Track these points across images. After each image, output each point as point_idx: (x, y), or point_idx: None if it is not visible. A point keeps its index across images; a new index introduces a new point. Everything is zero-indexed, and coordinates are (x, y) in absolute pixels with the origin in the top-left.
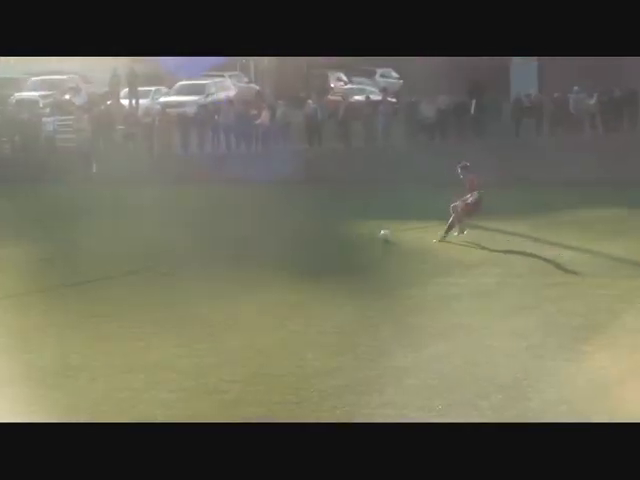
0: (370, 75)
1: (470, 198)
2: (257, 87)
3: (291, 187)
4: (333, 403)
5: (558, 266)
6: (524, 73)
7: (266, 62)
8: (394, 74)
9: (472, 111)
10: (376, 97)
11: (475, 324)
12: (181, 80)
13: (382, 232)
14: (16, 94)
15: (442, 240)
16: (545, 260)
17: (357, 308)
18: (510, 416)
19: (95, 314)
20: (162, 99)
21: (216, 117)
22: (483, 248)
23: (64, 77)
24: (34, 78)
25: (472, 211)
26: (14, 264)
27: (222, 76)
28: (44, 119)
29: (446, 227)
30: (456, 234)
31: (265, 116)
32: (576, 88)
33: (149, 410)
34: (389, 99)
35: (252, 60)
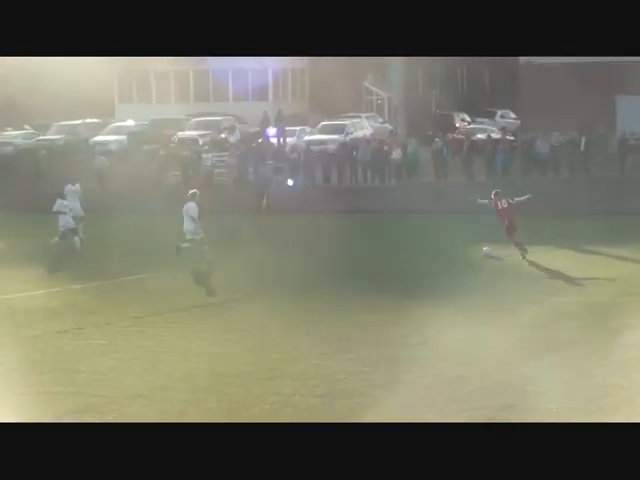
0: (491, 116)
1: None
2: (390, 127)
3: (418, 216)
4: (462, 407)
5: None
6: (629, 109)
7: (398, 103)
8: (512, 114)
9: (582, 147)
10: (496, 136)
11: (592, 338)
12: (324, 120)
13: (485, 249)
14: (179, 133)
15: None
16: None
17: (475, 325)
18: (617, 418)
19: (237, 329)
20: (306, 137)
21: (354, 153)
22: (596, 268)
23: (220, 118)
24: (194, 119)
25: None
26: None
27: (359, 117)
28: (203, 155)
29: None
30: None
31: (397, 152)
32: None
33: (295, 413)
34: (508, 137)
35: (386, 102)
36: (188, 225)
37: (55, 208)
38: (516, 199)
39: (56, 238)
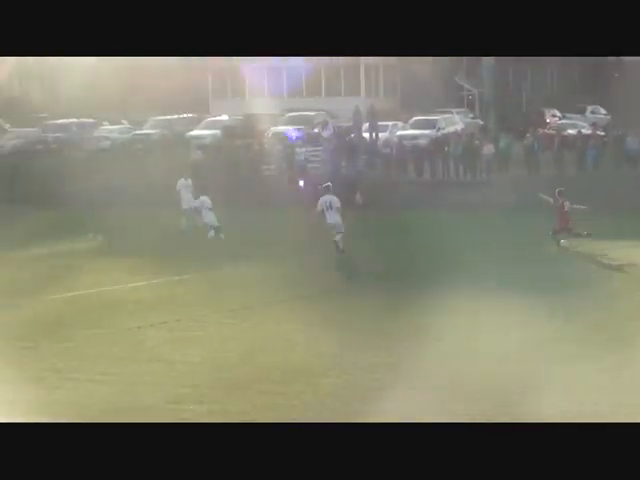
0: (581, 111)
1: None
2: (481, 122)
3: (510, 212)
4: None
5: None
6: None
7: (489, 99)
8: (602, 110)
9: None
10: (587, 131)
11: None
12: (415, 116)
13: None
14: (272, 128)
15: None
16: None
17: (566, 319)
18: None
19: (331, 320)
20: (399, 132)
21: (446, 148)
22: None
23: (313, 113)
24: (288, 114)
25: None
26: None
27: (451, 112)
28: (296, 150)
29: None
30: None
31: (488, 148)
32: None
33: (401, 407)
34: (598, 133)
35: (477, 98)
36: (335, 217)
37: (196, 204)
38: (575, 205)
39: (211, 232)
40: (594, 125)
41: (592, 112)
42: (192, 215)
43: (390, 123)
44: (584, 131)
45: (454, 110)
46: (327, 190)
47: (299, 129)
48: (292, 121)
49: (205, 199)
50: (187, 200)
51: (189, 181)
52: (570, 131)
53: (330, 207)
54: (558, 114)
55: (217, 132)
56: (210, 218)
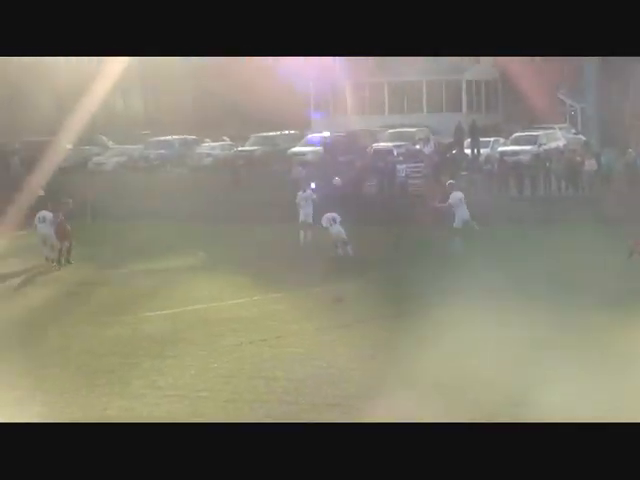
0: None
1: None
2: (584, 138)
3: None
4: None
5: None
6: None
7: (592, 115)
8: None
9: None
10: None
11: None
12: (517, 132)
13: None
14: (374, 145)
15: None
16: None
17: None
18: None
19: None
20: (500, 148)
21: (547, 164)
22: None
23: (414, 129)
24: (390, 130)
25: None
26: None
27: (553, 128)
28: (398, 166)
29: None
30: None
31: (591, 164)
32: None
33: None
34: None
35: (579, 113)
36: (466, 212)
37: (324, 224)
38: None
39: (341, 250)
40: None
41: None
42: (306, 228)
43: (492, 139)
44: None
45: (556, 126)
46: (453, 187)
47: (398, 145)
48: (394, 137)
49: (334, 215)
50: (305, 213)
51: (308, 192)
52: None
53: (462, 201)
54: None
55: (319, 148)
56: (340, 232)
